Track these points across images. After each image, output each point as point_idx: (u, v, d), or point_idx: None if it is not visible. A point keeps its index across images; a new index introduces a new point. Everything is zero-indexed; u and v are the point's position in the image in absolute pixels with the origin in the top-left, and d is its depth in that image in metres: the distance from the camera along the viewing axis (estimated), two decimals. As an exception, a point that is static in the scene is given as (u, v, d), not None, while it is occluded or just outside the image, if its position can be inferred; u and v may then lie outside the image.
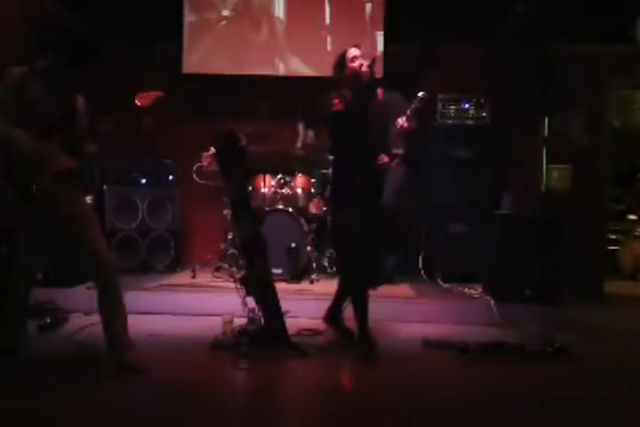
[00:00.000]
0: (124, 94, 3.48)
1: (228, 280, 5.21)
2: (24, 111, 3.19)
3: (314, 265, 5.59)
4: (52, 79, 3.29)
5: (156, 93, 3.42)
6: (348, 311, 3.95)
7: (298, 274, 5.49)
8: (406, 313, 4.59)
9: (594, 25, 5.68)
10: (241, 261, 5.18)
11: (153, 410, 2.99)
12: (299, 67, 6.30)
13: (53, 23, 4.26)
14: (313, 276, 5.47)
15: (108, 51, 5.65)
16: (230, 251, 5.67)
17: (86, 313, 4.45)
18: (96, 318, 3.68)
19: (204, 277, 5.52)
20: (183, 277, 5.61)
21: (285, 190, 5.72)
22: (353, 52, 3.93)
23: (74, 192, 3.38)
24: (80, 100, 3.46)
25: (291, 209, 5.54)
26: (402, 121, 4.08)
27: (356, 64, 3.86)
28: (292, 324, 4.02)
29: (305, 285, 5.35)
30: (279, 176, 5.77)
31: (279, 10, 6.31)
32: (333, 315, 4.13)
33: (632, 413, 3.11)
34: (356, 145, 3.88)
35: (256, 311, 3.93)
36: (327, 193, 5.68)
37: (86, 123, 3.44)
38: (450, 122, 5.88)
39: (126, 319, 3.43)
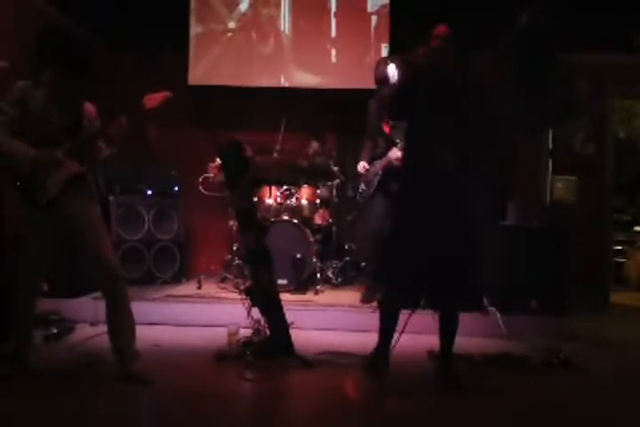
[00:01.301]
0: (127, 105, 3.49)
1: (233, 291, 5.22)
2: (29, 122, 3.23)
3: (319, 276, 5.60)
4: (56, 87, 3.32)
5: (165, 94, 3.40)
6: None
7: (303, 285, 5.49)
8: (411, 324, 4.57)
9: (597, 34, 5.69)
10: (246, 272, 5.19)
11: (157, 420, 2.99)
12: (304, 79, 6.33)
13: (54, 30, 4.30)
14: (318, 287, 5.46)
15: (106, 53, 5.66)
16: (235, 262, 5.68)
17: (92, 323, 4.48)
18: (101, 329, 3.69)
19: (210, 288, 5.53)
20: (188, 287, 5.61)
21: (290, 201, 5.74)
22: (441, 29, 3.69)
23: (81, 200, 3.38)
24: (89, 106, 3.48)
25: (296, 220, 5.56)
26: None
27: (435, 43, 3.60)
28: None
29: (310, 295, 5.34)
30: (284, 187, 5.79)
31: (285, 22, 6.36)
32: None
33: (636, 424, 3.10)
34: (429, 129, 3.35)
35: (261, 322, 3.93)
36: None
37: (99, 126, 3.45)
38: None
39: (134, 330, 3.44)
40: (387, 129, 4.93)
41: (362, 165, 5.11)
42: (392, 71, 3.81)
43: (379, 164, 4.96)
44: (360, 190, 5.18)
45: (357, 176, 5.24)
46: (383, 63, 4.52)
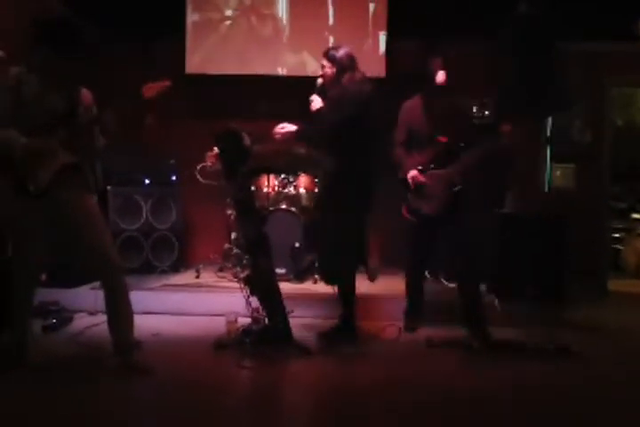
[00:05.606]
0: (125, 95, 3.46)
1: (231, 280, 5.22)
2: (23, 109, 3.20)
3: (317, 265, 5.59)
4: (50, 74, 3.28)
5: (164, 83, 3.35)
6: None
7: (301, 274, 5.50)
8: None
9: (596, 23, 5.67)
10: (244, 261, 5.19)
11: (157, 409, 3.00)
12: (301, 67, 6.30)
13: (50, 16, 4.24)
14: (316, 275, 5.47)
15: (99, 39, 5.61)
16: (234, 251, 5.68)
17: (91, 313, 4.49)
18: (100, 319, 3.70)
19: (208, 277, 5.54)
20: (187, 276, 5.62)
21: (289, 190, 5.73)
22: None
23: (77, 190, 3.35)
24: (85, 92, 3.44)
25: (294, 209, 5.55)
26: None
27: None
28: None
29: (308, 284, 5.36)
30: (282, 176, 5.78)
31: (282, 10, 6.31)
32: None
33: (634, 411, 3.12)
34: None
35: (260, 311, 3.94)
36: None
37: (96, 113, 3.40)
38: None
39: (132, 320, 3.44)
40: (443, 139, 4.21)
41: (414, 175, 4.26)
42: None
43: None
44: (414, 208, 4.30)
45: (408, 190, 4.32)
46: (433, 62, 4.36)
